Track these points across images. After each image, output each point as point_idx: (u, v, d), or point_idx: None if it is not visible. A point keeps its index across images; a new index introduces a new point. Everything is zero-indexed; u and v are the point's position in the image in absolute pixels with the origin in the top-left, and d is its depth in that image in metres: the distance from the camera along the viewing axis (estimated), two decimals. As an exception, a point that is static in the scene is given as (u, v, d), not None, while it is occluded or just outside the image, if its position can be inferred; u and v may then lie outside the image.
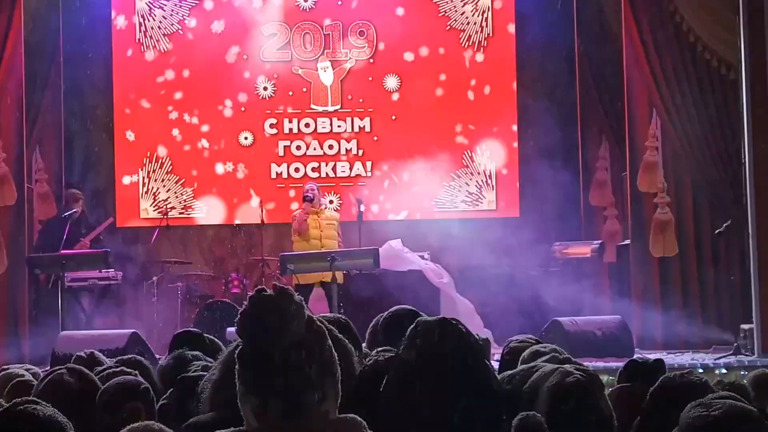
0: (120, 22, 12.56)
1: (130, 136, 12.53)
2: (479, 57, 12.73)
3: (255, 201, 12.16)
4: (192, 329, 4.12)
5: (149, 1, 12.59)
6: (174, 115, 12.57)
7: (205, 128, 12.59)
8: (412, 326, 2.62)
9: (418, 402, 2.42)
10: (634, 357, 7.41)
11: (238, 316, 2.21)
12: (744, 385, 4.21)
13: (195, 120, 12.58)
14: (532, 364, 2.89)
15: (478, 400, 2.43)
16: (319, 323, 2.21)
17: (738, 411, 2.52)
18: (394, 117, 12.66)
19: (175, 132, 12.57)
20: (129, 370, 3.27)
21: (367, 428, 2.22)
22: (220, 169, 12.59)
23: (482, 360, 2.55)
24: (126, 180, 12.54)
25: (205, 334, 4.11)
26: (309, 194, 10.76)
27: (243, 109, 12.64)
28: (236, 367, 2.18)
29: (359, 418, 2.22)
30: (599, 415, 2.60)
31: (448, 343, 2.51)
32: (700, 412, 2.51)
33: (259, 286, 2.23)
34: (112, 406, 2.95)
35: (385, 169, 12.64)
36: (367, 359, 2.91)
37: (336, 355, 2.22)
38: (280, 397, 2.12)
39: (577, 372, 2.61)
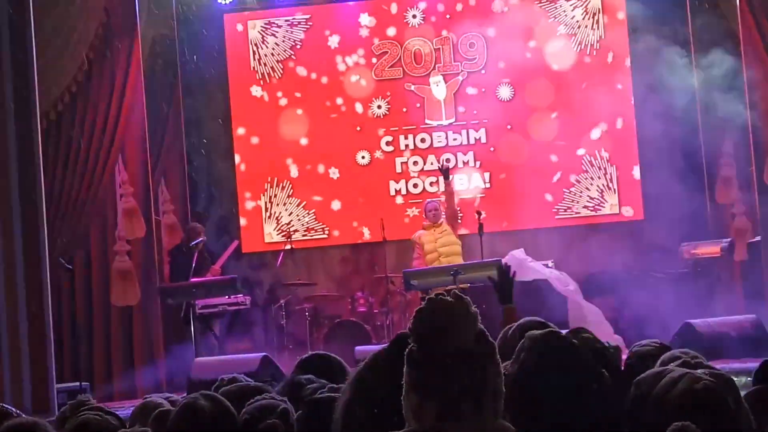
0: (234, 51, 12.81)
1: (250, 162, 12.75)
2: (591, 60, 12.58)
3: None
4: (319, 351, 4.18)
5: (262, 30, 12.83)
6: (291, 139, 12.75)
7: (322, 150, 12.72)
8: (522, 341, 2.59)
9: (526, 416, 2.40)
10: (772, 356, 7.18)
11: (414, 315, 2.24)
12: None
13: (311, 142, 12.73)
14: (660, 368, 2.79)
15: (591, 413, 2.39)
16: (491, 338, 2.22)
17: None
18: (509, 126, 12.60)
19: (294, 156, 12.75)
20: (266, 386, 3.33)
21: None
22: (339, 189, 12.71)
23: (598, 371, 2.50)
24: (249, 206, 12.76)
25: (332, 355, 4.14)
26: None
27: (358, 128, 12.74)
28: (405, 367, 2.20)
29: (510, 426, 2.21)
30: (732, 423, 2.50)
31: (553, 357, 2.47)
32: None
33: (438, 291, 2.27)
34: (251, 425, 3.01)
35: (503, 178, 12.58)
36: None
37: (502, 372, 2.22)
38: (435, 399, 2.14)
39: (706, 378, 2.51)
